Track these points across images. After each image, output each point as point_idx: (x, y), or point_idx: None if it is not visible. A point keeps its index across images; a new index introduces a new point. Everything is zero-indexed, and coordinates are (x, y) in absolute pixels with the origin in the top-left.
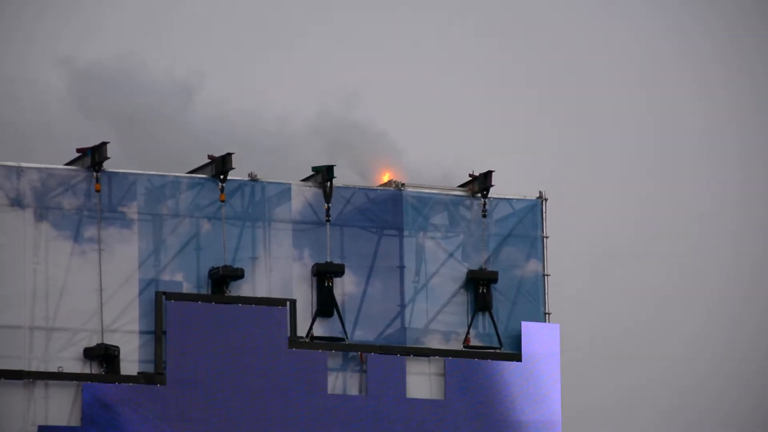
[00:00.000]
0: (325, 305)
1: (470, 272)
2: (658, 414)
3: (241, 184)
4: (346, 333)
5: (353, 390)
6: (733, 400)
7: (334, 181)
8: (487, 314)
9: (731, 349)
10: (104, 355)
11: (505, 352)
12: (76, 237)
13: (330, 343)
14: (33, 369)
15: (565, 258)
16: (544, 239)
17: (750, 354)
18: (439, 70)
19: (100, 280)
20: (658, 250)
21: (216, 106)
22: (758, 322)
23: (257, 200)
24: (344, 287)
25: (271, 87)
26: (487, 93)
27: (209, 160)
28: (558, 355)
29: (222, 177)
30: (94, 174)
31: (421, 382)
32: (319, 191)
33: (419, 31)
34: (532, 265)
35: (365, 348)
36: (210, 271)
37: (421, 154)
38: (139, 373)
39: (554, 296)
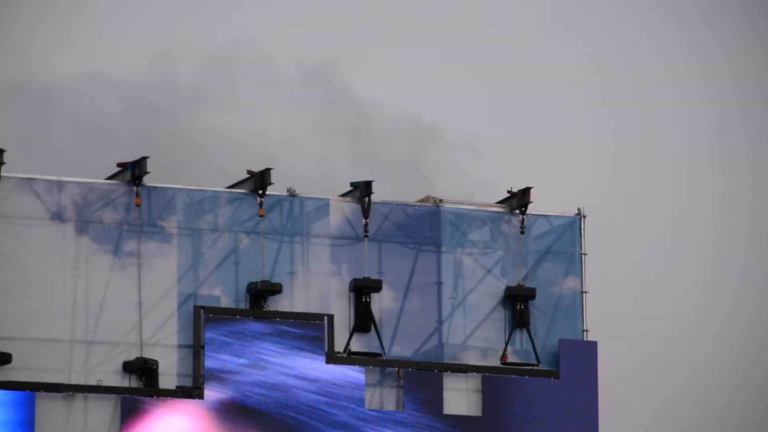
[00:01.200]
0: (363, 321)
1: (508, 288)
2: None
3: (279, 200)
4: (383, 348)
5: (390, 406)
6: None
7: (372, 196)
8: (524, 331)
9: None
10: (143, 369)
11: (542, 369)
12: (116, 251)
13: (367, 358)
14: (73, 382)
15: (604, 275)
16: (583, 256)
17: None
18: (475, 84)
19: (140, 294)
20: (697, 268)
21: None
22: None
23: (295, 215)
24: (382, 303)
25: None
26: (525, 106)
27: (247, 175)
28: (597, 372)
29: (261, 192)
30: (134, 188)
31: (459, 398)
32: (358, 206)
33: (449, 37)
34: (570, 282)
35: (402, 364)
36: (248, 285)
37: (459, 169)
38: (177, 387)
39: (592, 313)
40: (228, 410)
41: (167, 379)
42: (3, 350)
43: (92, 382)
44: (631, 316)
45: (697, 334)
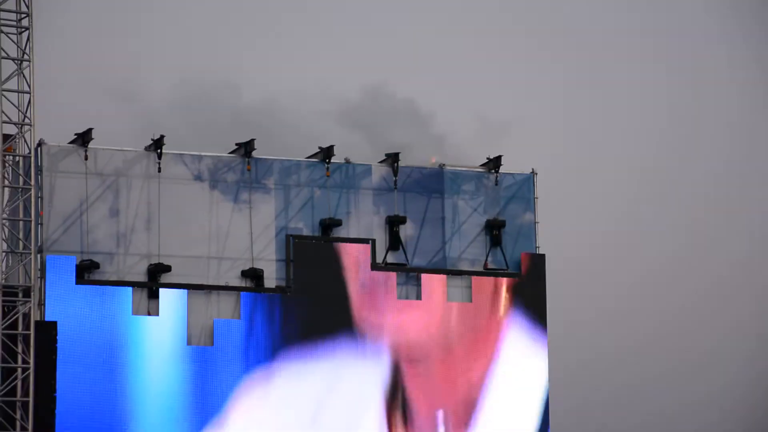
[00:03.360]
0: (394, 243)
1: (488, 221)
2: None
3: (339, 165)
4: (407, 260)
5: (412, 297)
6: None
7: (399, 163)
8: (498, 248)
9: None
10: (254, 275)
11: (510, 271)
12: (235, 199)
13: (397, 266)
14: (210, 284)
15: (550, 211)
16: (535, 199)
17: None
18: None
19: (251, 227)
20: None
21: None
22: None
23: (350, 175)
24: (406, 231)
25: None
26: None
27: (318, 150)
28: (545, 273)
29: (327, 160)
30: (247, 159)
31: (456, 291)
32: (389, 169)
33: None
34: (528, 216)
35: (420, 270)
36: (320, 221)
37: (457, 139)
38: (276, 286)
39: (542, 237)
40: (306, 300)
41: (269, 282)
42: (166, 263)
43: (221, 283)
44: (569, 239)
45: (623, 244)
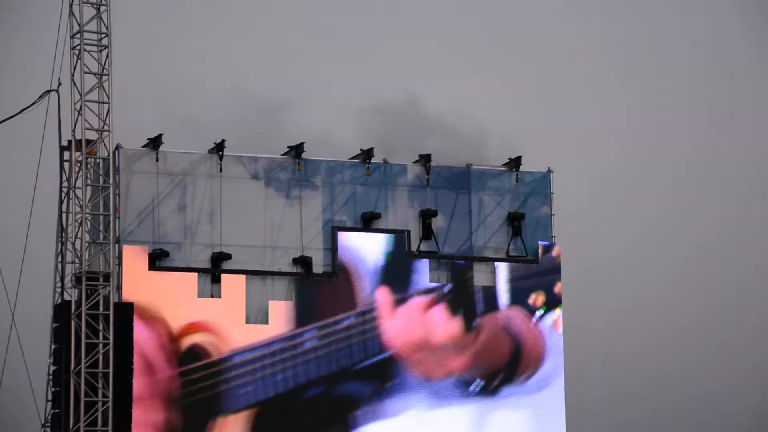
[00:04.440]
0: (427, 233)
1: (509, 214)
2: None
3: (379, 165)
4: (439, 248)
5: (443, 280)
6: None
7: (431, 163)
8: (519, 237)
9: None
10: (303, 262)
11: (529, 258)
12: (288, 195)
13: (430, 254)
14: (266, 269)
15: (566, 205)
16: (551, 194)
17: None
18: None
19: (301, 219)
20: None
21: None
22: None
23: (388, 173)
24: (437, 223)
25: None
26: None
27: (360, 152)
28: (560, 262)
29: (368, 161)
30: (297, 160)
31: (482, 276)
32: (423, 168)
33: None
34: (545, 209)
35: (450, 257)
36: (362, 214)
37: (484, 142)
38: (323, 272)
39: (558, 229)
40: (351, 282)
41: (317, 268)
42: (227, 252)
43: (276, 269)
44: (583, 232)
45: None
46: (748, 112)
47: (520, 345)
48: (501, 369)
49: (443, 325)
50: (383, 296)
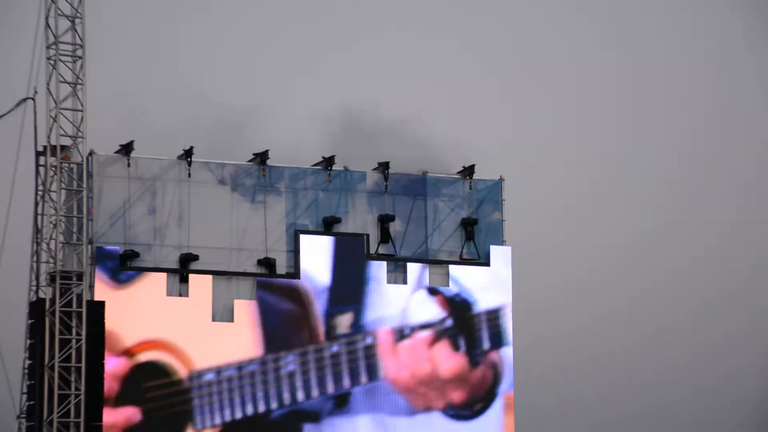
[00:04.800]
0: (385, 237)
1: (463, 219)
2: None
3: (339, 172)
4: (396, 251)
5: (400, 281)
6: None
7: (389, 170)
8: (471, 241)
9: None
10: (267, 263)
11: (481, 260)
12: (253, 200)
13: (387, 256)
14: (231, 270)
15: (515, 212)
16: (503, 201)
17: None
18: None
19: (265, 223)
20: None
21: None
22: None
23: (348, 180)
24: (395, 227)
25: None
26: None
27: (321, 159)
28: (510, 263)
29: (329, 168)
30: (262, 167)
31: (437, 277)
32: (381, 175)
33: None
34: (496, 215)
35: (407, 259)
36: (323, 219)
37: (440, 151)
38: (286, 272)
39: (508, 233)
40: (311, 282)
41: (280, 269)
42: (194, 253)
43: (240, 270)
44: (531, 236)
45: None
46: (687, 119)
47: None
48: None
49: None
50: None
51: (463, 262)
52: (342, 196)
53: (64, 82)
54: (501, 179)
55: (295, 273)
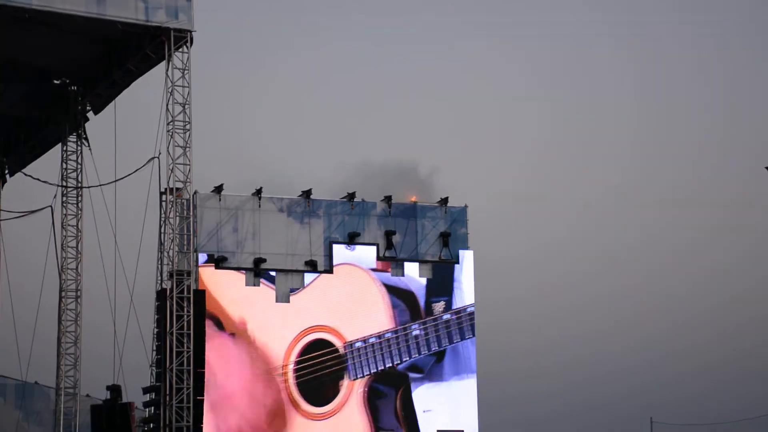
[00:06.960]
0: (389, 245)
1: (441, 233)
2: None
3: (359, 203)
4: (396, 254)
5: (399, 275)
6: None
7: (392, 200)
8: (447, 248)
9: None
10: (311, 263)
11: (453, 261)
12: (301, 222)
13: (391, 258)
14: (288, 268)
15: (479, 231)
16: (467, 221)
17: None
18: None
19: (310, 237)
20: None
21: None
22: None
23: (365, 208)
24: (396, 239)
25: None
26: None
27: (347, 194)
28: (473, 263)
29: (352, 200)
30: (307, 200)
31: (425, 270)
32: (386, 204)
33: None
34: (463, 230)
35: (404, 259)
36: (348, 233)
37: (424, 187)
38: (324, 269)
39: (471, 241)
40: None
41: (320, 267)
42: (263, 257)
43: (294, 268)
44: (493, 253)
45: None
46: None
47: None
48: None
49: None
50: None
51: (441, 261)
52: (361, 218)
53: (177, 146)
54: (466, 206)
55: (329, 269)
